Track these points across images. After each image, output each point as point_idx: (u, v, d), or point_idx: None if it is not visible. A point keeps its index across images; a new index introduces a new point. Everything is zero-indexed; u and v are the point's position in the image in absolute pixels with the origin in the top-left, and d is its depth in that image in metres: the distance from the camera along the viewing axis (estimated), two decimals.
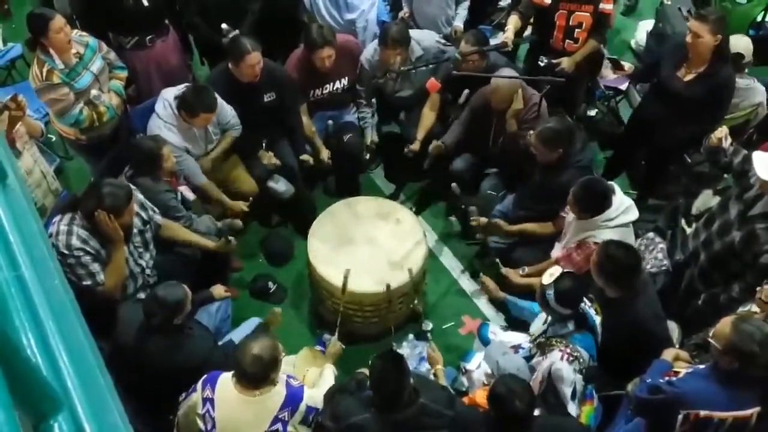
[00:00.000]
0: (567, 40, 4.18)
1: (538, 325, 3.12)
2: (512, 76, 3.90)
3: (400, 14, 4.63)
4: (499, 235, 3.80)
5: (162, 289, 2.86)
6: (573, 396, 2.80)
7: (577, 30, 4.13)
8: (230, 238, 3.57)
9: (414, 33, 4.15)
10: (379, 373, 2.54)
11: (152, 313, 2.80)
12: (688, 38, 3.59)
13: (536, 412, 2.72)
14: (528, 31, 4.47)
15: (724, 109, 3.84)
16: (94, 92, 3.70)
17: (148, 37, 4.16)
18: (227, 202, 3.88)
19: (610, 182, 3.42)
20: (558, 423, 2.77)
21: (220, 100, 3.73)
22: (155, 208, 3.36)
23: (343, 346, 3.34)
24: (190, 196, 3.75)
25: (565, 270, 2.92)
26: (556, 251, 3.53)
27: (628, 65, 3.99)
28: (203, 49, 4.69)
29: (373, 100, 4.43)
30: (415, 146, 4.17)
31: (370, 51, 4.19)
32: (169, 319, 2.80)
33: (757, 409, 2.42)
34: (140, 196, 3.28)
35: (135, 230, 3.22)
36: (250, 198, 3.91)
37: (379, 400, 2.53)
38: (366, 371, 2.97)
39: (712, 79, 3.65)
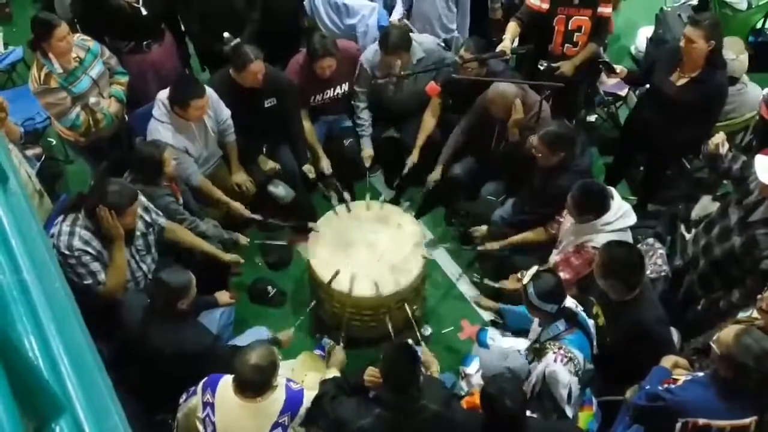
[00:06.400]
0: (566, 45, 4.19)
1: (535, 329, 3.13)
2: (512, 80, 3.89)
3: (396, 17, 4.62)
4: (494, 250, 3.81)
5: (166, 273, 2.89)
6: (569, 398, 2.79)
7: (576, 34, 4.14)
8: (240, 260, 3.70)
9: (415, 36, 4.15)
10: (392, 361, 2.56)
11: (156, 296, 2.82)
12: (682, 43, 3.60)
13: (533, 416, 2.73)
14: (516, 42, 4.42)
15: (715, 115, 3.85)
16: (92, 99, 3.70)
17: (144, 42, 4.17)
18: (229, 203, 3.87)
19: (609, 187, 3.42)
20: (553, 426, 2.76)
21: (215, 97, 3.73)
22: (159, 212, 3.36)
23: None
24: None
25: (541, 269, 2.93)
26: (554, 257, 3.53)
27: (620, 68, 3.97)
28: (204, 57, 4.69)
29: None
30: (414, 157, 4.19)
31: (371, 51, 4.18)
32: (173, 303, 2.82)
33: (755, 417, 2.41)
34: (144, 200, 3.28)
35: (138, 233, 3.22)
36: (254, 216, 3.93)
37: (389, 390, 2.54)
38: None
39: (705, 84, 3.66)
